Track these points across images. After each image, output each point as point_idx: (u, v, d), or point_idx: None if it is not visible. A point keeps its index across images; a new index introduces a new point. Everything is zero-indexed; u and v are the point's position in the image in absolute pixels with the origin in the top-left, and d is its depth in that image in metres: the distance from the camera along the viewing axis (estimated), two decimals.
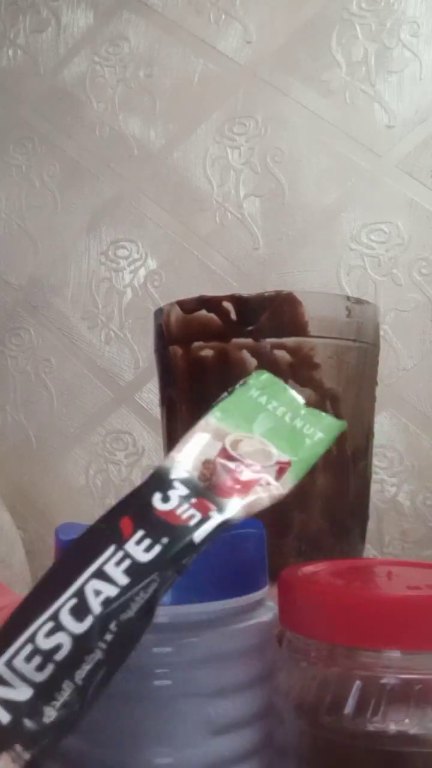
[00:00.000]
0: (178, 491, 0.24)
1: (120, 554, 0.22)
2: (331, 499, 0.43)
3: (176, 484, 0.24)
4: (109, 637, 0.21)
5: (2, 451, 0.91)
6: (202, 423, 0.26)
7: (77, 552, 0.23)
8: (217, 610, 0.26)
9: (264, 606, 0.29)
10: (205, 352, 0.43)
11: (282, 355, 0.42)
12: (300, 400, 0.28)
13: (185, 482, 0.24)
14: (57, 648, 0.21)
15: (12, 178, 0.95)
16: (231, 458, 0.25)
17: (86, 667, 0.21)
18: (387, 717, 0.24)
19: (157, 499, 0.24)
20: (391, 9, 0.83)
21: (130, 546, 0.23)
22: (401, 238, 0.81)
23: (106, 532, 0.23)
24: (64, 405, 0.90)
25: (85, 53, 0.94)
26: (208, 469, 0.25)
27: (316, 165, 0.84)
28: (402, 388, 0.79)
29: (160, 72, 0.91)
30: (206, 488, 0.24)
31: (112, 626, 0.21)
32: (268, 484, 0.25)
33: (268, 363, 0.42)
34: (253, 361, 0.42)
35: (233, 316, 0.43)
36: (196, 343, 0.44)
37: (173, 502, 0.24)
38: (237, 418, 0.26)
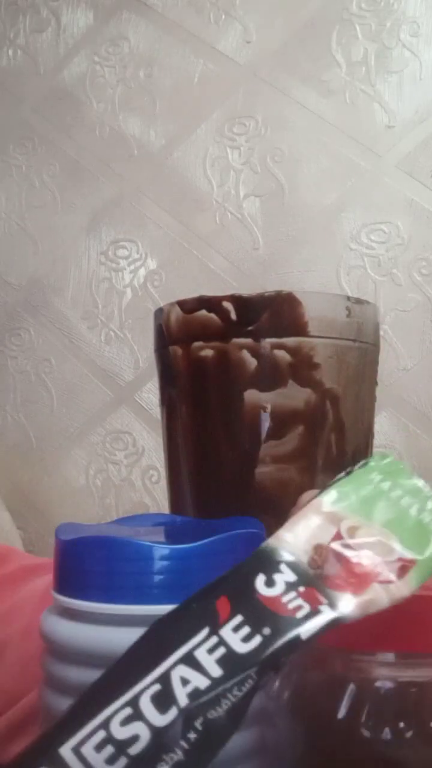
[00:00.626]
0: (285, 576, 0.21)
1: (214, 640, 0.20)
2: None
3: (283, 567, 0.21)
4: (193, 736, 0.18)
5: (2, 451, 0.91)
6: (315, 503, 0.23)
7: (166, 629, 0.20)
8: None
9: None
10: (205, 352, 0.43)
11: (282, 355, 0.42)
12: (428, 490, 0.24)
13: (293, 567, 0.21)
14: (133, 739, 0.18)
15: (12, 178, 0.95)
16: (347, 546, 0.22)
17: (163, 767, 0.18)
18: (382, 720, 0.24)
19: (260, 582, 0.21)
20: (391, 9, 0.83)
21: (226, 632, 0.20)
22: (401, 238, 0.81)
23: (200, 611, 0.20)
24: (64, 405, 0.90)
25: (85, 53, 0.94)
26: (321, 556, 0.22)
27: (316, 165, 0.84)
28: (402, 388, 0.79)
29: (160, 72, 0.91)
30: (317, 577, 0.21)
31: (198, 724, 0.18)
32: (389, 582, 0.21)
33: (268, 363, 0.42)
34: (253, 361, 0.42)
35: (233, 316, 0.43)
36: (197, 343, 0.44)
37: (279, 588, 0.21)
38: (355, 502, 0.23)
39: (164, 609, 0.26)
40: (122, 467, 0.86)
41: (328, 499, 0.23)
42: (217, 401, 0.43)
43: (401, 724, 0.24)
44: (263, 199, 0.86)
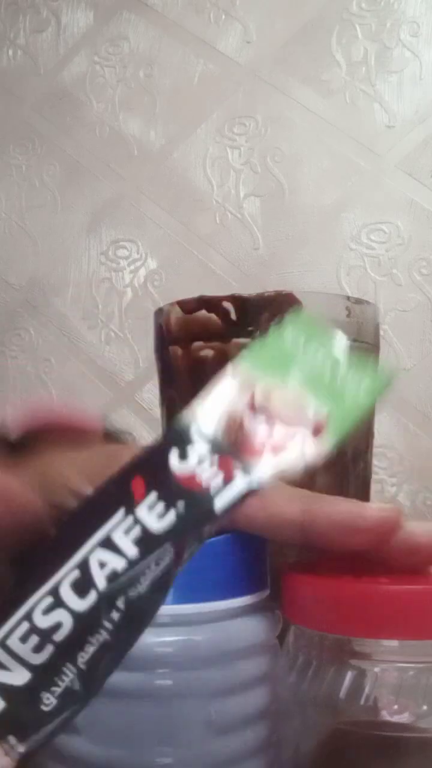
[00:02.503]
0: (199, 448, 0.21)
1: (129, 520, 0.20)
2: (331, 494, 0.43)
3: (196, 439, 0.21)
4: (116, 615, 0.19)
5: None
6: (228, 369, 0.22)
7: (82, 516, 0.20)
8: (218, 610, 0.26)
9: (265, 606, 0.29)
10: (205, 353, 0.43)
11: None
12: (344, 348, 0.23)
13: (207, 438, 0.21)
14: (56, 627, 0.19)
15: (12, 178, 0.95)
16: (261, 410, 0.21)
17: (90, 650, 0.19)
18: (402, 706, 0.24)
19: (173, 457, 0.20)
20: (391, 9, 0.83)
21: (142, 511, 0.20)
22: (401, 238, 0.81)
23: (114, 493, 0.20)
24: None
25: (85, 53, 0.94)
26: (234, 424, 0.21)
27: (316, 165, 0.84)
28: (402, 388, 0.79)
29: (160, 72, 0.91)
30: (231, 446, 0.21)
31: (120, 603, 0.19)
32: (303, 443, 0.21)
33: None
34: None
35: (233, 316, 0.43)
36: (196, 344, 0.44)
37: (192, 461, 0.20)
38: (269, 364, 0.22)
39: (165, 609, 0.26)
40: None
41: (241, 363, 0.23)
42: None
43: (425, 707, 0.24)
44: (263, 199, 0.86)
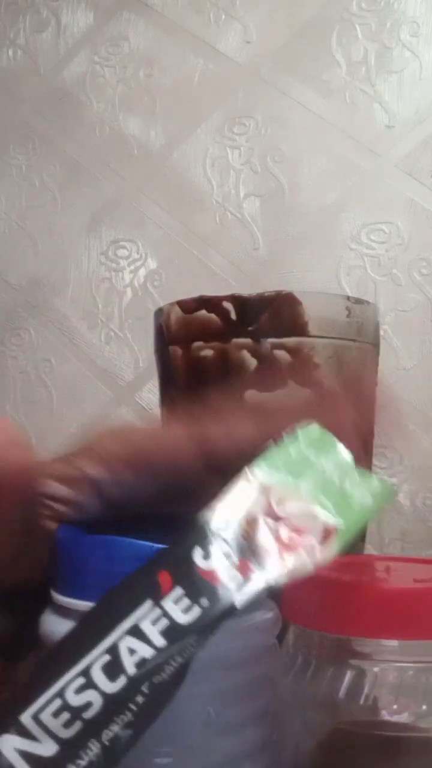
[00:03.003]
0: (220, 548, 0.23)
1: (157, 612, 0.21)
2: None
3: (218, 539, 0.23)
4: (140, 699, 0.21)
5: None
6: (246, 473, 0.24)
7: (112, 602, 0.22)
8: None
9: (264, 605, 0.29)
10: (205, 353, 0.43)
11: (282, 355, 0.42)
12: (349, 459, 0.26)
13: (227, 538, 0.23)
14: (87, 706, 0.20)
15: (12, 178, 0.95)
16: (276, 517, 0.24)
17: (115, 728, 0.20)
18: (402, 706, 0.24)
19: (198, 555, 0.22)
20: (391, 9, 0.83)
21: (168, 604, 0.22)
22: (401, 238, 0.81)
23: (142, 584, 0.22)
24: (64, 405, 0.90)
25: (85, 53, 0.94)
26: (252, 527, 0.23)
27: (316, 165, 0.84)
28: (402, 388, 0.79)
29: (160, 72, 0.91)
30: (249, 547, 0.23)
31: (145, 688, 0.21)
32: (313, 548, 0.23)
33: (268, 363, 0.42)
34: (252, 362, 0.42)
35: (233, 316, 0.43)
36: (196, 344, 0.43)
37: (215, 560, 0.22)
38: (283, 472, 0.25)
39: None
40: None
41: (258, 469, 0.25)
42: (217, 402, 0.43)
43: (424, 707, 0.24)
44: (263, 199, 0.86)
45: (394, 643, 0.25)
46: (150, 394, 0.86)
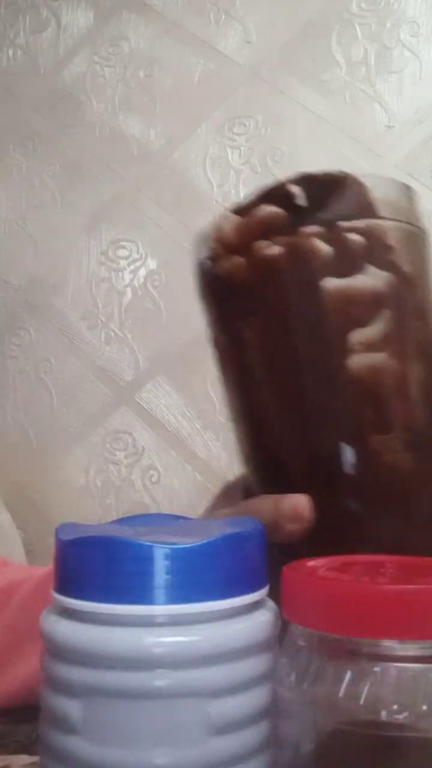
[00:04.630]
0: None
1: None
2: (426, 389, 0.39)
3: None
4: None
5: (2, 451, 0.91)
6: None
7: None
8: (217, 609, 0.26)
9: (264, 606, 0.29)
10: (271, 251, 0.38)
11: (355, 238, 0.38)
12: None
13: None
14: None
15: (12, 178, 0.95)
16: None
17: None
18: (402, 706, 0.24)
19: None
20: (391, 9, 0.83)
21: None
22: None
23: None
24: (64, 405, 0.90)
25: (85, 53, 0.94)
26: None
27: (316, 165, 0.84)
28: None
29: (160, 72, 0.91)
30: None
31: None
32: None
33: (343, 248, 0.38)
34: (327, 248, 0.38)
35: (302, 201, 0.38)
36: (259, 243, 0.38)
37: None
38: None
39: (164, 609, 0.26)
40: (122, 467, 0.86)
41: None
42: (295, 297, 0.39)
43: (424, 707, 0.24)
44: None
45: (394, 643, 0.25)
46: (150, 394, 0.86)
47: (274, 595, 0.29)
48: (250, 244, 0.39)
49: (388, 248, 0.38)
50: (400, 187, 0.40)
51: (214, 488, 0.44)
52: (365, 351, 0.38)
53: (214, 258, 0.41)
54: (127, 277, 0.89)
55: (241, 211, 0.40)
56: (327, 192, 0.38)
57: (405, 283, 0.39)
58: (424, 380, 0.39)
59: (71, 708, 0.26)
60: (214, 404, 0.83)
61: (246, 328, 0.40)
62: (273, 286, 0.39)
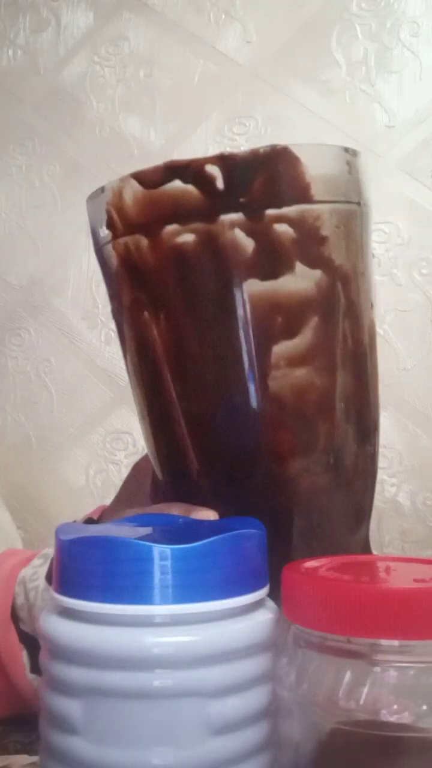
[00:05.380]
0: None
1: None
2: (352, 399, 0.35)
3: None
4: None
5: (2, 451, 0.91)
6: None
7: None
8: (217, 609, 0.26)
9: (264, 605, 0.29)
10: (183, 238, 0.32)
11: (284, 230, 0.32)
12: None
13: None
14: None
15: (12, 178, 0.95)
16: None
17: None
18: (402, 706, 0.24)
19: None
20: (391, 9, 0.83)
21: None
22: (401, 238, 0.81)
23: None
24: (64, 405, 0.90)
25: (85, 53, 0.94)
26: None
27: None
28: (402, 388, 0.78)
29: (160, 72, 0.91)
30: None
31: None
32: None
33: (268, 242, 0.32)
34: (249, 243, 0.32)
35: (219, 184, 0.32)
36: (169, 227, 0.33)
37: None
38: None
39: (164, 609, 0.26)
40: (122, 467, 0.86)
41: None
42: (208, 300, 0.33)
43: (424, 707, 0.24)
44: None
45: (394, 643, 0.25)
46: None
47: (274, 595, 0.29)
48: (157, 225, 0.33)
49: (321, 240, 0.33)
50: (339, 156, 0.35)
51: None
52: (288, 366, 0.33)
53: (112, 230, 0.35)
54: None
55: (146, 181, 0.34)
56: (253, 173, 0.32)
57: (337, 280, 0.34)
58: (351, 388, 0.35)
59: (71, 708, 0.26)
60: None
61: (151, 322, 0.34)
62: (182, 282, 0.33)
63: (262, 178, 0.32)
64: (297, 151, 0.33)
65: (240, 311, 0.33)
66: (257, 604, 0.28)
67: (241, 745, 0.27)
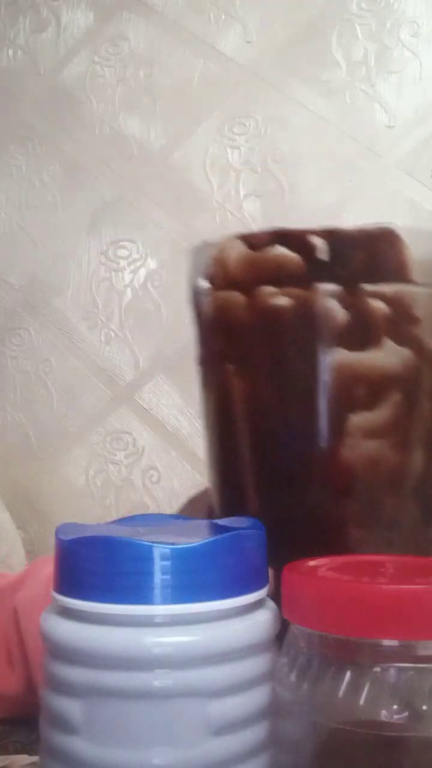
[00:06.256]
0: None
1: None
2: (423, 478, 0.35)
3: None
4: None
5: (2, 451, 0.91)
6: None
7: None
8: (217, 609, 0.26)
9: (264, 605, 0.29)
10: (279, 301, 0.34)
11: (379, 306, 0.34)
12: None
13: None
14: None
15: (12, 178, 0.95)
16: None
17: None
18: (402, 706, 0.24)
19: None
20: (391, 9, 0.83)
21: None
22: None
23: None
24: (64, 405, 0.90)
25: (85, 53, 0.94)
26: None
27: (316, 165, 0.84)
28: None
29: (160, 72, 0.91)
30: None
31: None
32: None
33: (361, 316, 0.33)
34: (342, 313, 0.33)
35: (323, 255, 0.34)
36: (266, 289, 0.34)
37: None
38: None
39: (164, 609, 0.26)
40: (122, 467, 0.86)
41: None
42: (294, 361, 0.34)
43: (424, 707, 0.24)
44: (263, 200, 0.85)
45: (394, 643, 0.25)
46: (150, 394, 0.86)
47: (275, 594, 0.29)
48: (256, 284, 0.35)
49: (414, 320, 0.34)
50: None
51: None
52: (363, 437, 0.34)
53: (212, 281, 0.37)
54: (127, 277, 0.89)
55: (251, 242, 0.35)
56: (355, 249, 0.34)
57: (425, 361, 0.35)
58: (423, 470, 0.35)
59: (71, 708, 0.27)
60: None
61: (235, 376, 0.36)
62: (272, 341, 0.35)
63: (364, 255, 0.34)
64: (402, 234, 0.34)
65: (324, 376, 0.34)
66: (257, 604, 0.28)
67: (241, 745, 0.27)
